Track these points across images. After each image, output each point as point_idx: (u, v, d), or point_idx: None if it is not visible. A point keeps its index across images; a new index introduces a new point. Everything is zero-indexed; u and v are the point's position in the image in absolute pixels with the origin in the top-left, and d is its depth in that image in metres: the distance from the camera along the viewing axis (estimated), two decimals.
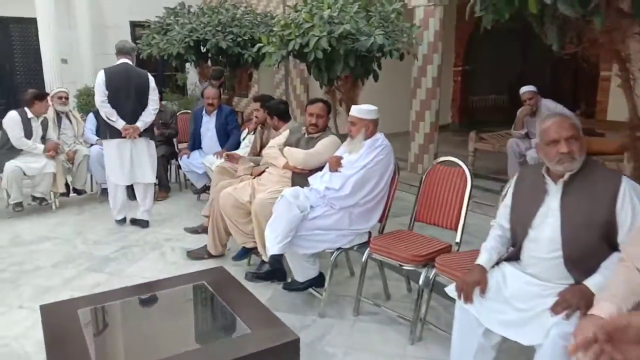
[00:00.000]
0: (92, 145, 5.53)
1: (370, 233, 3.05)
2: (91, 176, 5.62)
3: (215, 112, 5.19)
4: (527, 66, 12.05)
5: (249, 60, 6.86)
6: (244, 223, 3.49)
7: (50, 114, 5.25)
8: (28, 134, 4.90)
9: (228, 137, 5.21)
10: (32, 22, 9.39)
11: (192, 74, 11.18)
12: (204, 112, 5.24)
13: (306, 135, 3.50)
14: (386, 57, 4.75)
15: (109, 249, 4.09)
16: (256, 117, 4.70)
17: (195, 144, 5.36)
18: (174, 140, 6.01)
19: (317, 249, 2.95)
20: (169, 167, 5.94)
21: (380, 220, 3.06)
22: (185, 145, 5.96)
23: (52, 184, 5.06)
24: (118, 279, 3.52)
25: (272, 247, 2.81)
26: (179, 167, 5.99)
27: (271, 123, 4.06)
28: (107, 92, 4.33)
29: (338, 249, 2.93)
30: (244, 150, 4.86)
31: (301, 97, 8.59)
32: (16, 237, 4.42)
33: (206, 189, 5.42)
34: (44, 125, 5.08)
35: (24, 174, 4.85)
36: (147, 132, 4.59)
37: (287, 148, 3.43)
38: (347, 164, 3.00)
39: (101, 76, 4.36)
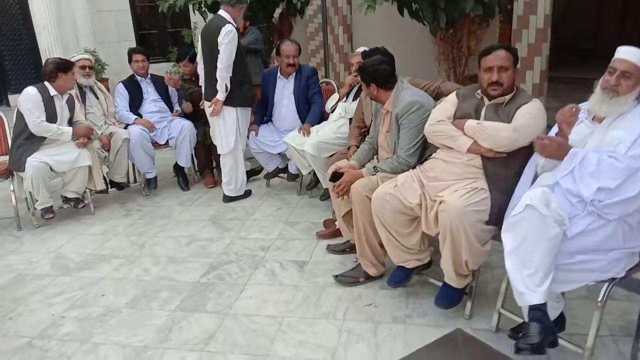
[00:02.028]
0: (127, 125, 4.34)
1: None
2: (132, 165, 4.45)
3: (293, 74, 4.01)
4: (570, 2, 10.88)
5: (297, 5, 5.61)
6: (406, 235, 2.45)
7: (72, 90, 4.02)
8: (51, 117, 3.70)
9: (309, 107, 4.06)
10: None
11: (200, 29, 9.80)
12: (278, 74, 4.05)
13: (487, 102, 2.41)
14: None
15: (195, 270, 3.03)
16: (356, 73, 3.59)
17: (266, 115, 4.21)
18: None
19: (581, 283, 1.91)
20: None
21: None
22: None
23: (88, 179, 3.92)
24: (234, 322, 2.47)
25: (529, 292, 1.78)
26: None
27: (368, 93, 2.89)
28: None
29: (611, 279, 1.91)
30: (338, 123, 3.75)
31: (344, 49, 7.36)
32: (58, 258, 3.32)
33: (279, 171, 4.33)
34: (71, 104, 3.87)
35: (52, 171, 3.69)
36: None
37: (472, 122, 2.33)
38: (605, 144, 1.93)
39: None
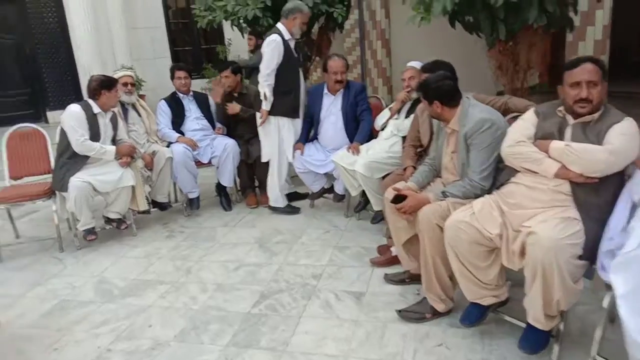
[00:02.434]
0: (170, 144, 4.24)
1: None
2: (173, 184, 4.35)
3: (341, 90, 3.84)
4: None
5: (338, 19, 5.47)
6: (483, 268, 2.22)
7: (115, 107, 3.95)
8: (95, 136, 3.61)
9: (357, 124, 3.88)
10: None
11: (235, 45, 9.79)
12: (325, 91, 3.89)
13: (571, 121, 2.18)
14: None
15: (245, 299, 2.85)
16: (409, 88, 3.43)
17: (312, 133, 4.04)
18: None
19: None
20: None
21: None
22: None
23: (131, 199, 3.81)
24: None
25: None
26: None
27: (430, 111, 2.65)
28: None
29: None
30: (389, 142, 3.56)
31: (383, 64, 7.22)
32: (101, 282, 3.20)
33: (324, 192, 4.15)
34: (114, 122, 3.79)
35: (95, 191, 3.59)
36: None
37: (559, 143, 2.10)
38: None
39: None
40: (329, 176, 4.04)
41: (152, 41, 9.28)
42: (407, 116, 3.55)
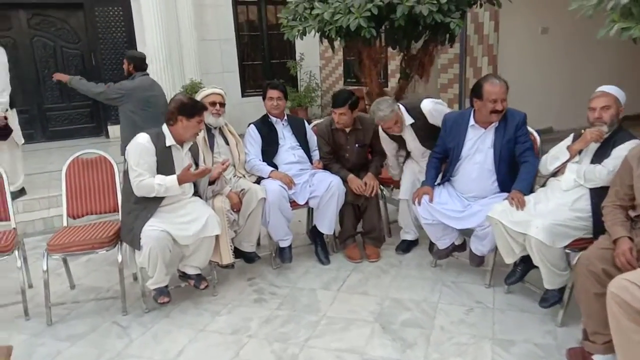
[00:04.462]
0: (260, 179, 3.42)
1: None
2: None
3: (495, 122, 2.90)
4: None
5: (455, 31, 4.56)
6: None
7: (199, 133, 3.16)
8: (168, 172, 2.80)
9: (511, 169, 2.91)
10: (116, 3, 7.59)
11: (308, 60, 9.04)
12: (471, 122, 2.95)
13: None
14: None
15: None
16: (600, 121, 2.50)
17: (446, 174, 3.11)
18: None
19: None
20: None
21: None
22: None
23: (214, 251, 2.99)
24: None
25: None
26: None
27: None
28: None
29: None
30: (572, 195, 2.58)
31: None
32: None
33: (454, 249, 3.20)
34: (194, 152, 3.00)
35: (174, 242, 2.78)
36: None
37: None
38: None
39: None
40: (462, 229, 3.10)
41: (221, 54, 8.65)
42: (594, 160, 2.57)
